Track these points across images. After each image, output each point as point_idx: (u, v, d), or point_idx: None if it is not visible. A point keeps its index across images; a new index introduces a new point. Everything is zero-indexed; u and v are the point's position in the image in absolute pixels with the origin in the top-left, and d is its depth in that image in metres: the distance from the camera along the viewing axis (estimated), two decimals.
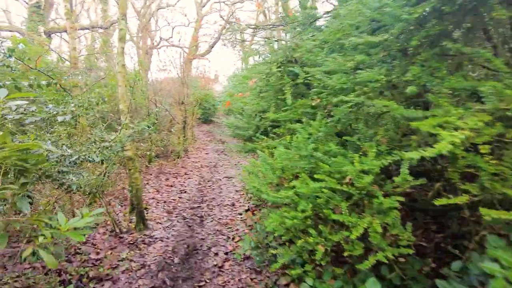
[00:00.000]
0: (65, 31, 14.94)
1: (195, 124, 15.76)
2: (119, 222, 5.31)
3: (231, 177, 8.18)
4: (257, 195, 3.12)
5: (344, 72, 2.52)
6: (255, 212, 5.54)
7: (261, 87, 4.23)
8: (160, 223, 5.27)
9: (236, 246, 4.42)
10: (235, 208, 5.95)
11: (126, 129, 4.44)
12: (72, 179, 2.88)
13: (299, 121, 3.24)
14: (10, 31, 13.79)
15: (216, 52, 41.85)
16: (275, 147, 3.25)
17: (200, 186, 7.51)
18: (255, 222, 4.56)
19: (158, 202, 6.31)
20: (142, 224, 4.97)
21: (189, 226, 5.16)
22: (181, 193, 7.00)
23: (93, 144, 3.46)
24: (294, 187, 2.44)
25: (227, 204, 6.17)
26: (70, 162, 2.60)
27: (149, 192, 6.96)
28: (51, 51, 8.53)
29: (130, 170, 5.00)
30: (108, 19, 19.45)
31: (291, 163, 2.62)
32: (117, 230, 4.84)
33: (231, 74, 22.44)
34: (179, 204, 6.20)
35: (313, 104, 2.98)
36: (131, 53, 23.64)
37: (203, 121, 19.34)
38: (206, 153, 11.48)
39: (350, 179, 2.18)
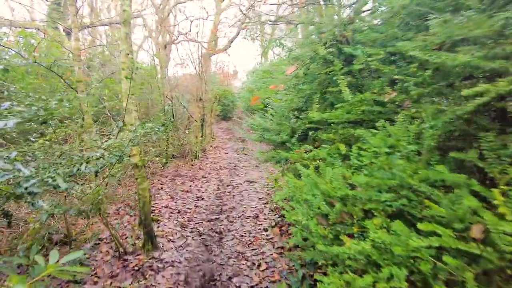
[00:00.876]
0: (85, 27, 14.37)
1: (214, 121, 14.91)
2: (126, 237, 4.48)
3: (252, 182, 7.24)
4: (305, 236, 2.16)
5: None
6: (283, 229, 4.58)
7: (298, 78, 3.25)
8: (172, 241, 4.39)
9: (263, 278, 3.48)
10: (259, 221, 5.01)
11: (128, 132, 3.55)
12: (41, 205, 2.01)
13: (356, 123, 2.25)
14: (29, 28, 13.31)
15: (235, 48, 40.91)
16: (320, 159, 2.28)
17: (218, 191, 6.61)
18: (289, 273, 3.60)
19: (171, 212, 5.44)
20: (151, 244, 4.10)
21: (206, 246, 4.26)
22: (198, 200, 6.11)
23: (74, 157, 2.57)
24: (365, 234, 1.47)
25: (250, 216, 5.24)
26: (26, 188, 1.72)
27: (163, 199, 6.11)
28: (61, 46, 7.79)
29: (137, 179, 4.13)
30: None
31: (361, 193, 1.65)
32: (121, 250, 3.99)
33: (251, 69, 21.41)
34: (195, 215, 5.31)
35: (386, 99, 2.00)
36: (148, 48, 22.90)
37: (222, 118, 18.53)
38: (225, 153, 10.59)
39: (482, 232, 1.19)
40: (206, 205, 5.80)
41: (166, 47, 19.35)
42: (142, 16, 17.72)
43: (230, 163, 9.16)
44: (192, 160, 9.26)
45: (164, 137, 8.99)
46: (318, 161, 2.38)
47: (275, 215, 5.16)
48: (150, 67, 10.23)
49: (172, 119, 9.61)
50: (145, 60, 18.60)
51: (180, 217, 5.26)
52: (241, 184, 7.14)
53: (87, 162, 2.54)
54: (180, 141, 9.99)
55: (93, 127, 5.42)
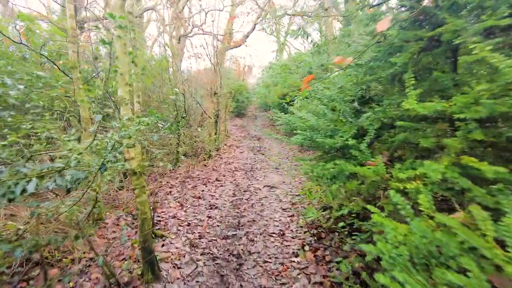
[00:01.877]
0: (98, 19, 13.53)
1: (228, 118, 13.95)
2: (122, 259, 3.53)
3: (273, 187, 6.22)
4: None
5: None
6: (318, 254, 3.56)
7: (387, 43, 2.14)
8: (179, 267, 3.42)
9: None
10: (285, 241, 4.00)
11: (122, 127, 2.57)
12: None
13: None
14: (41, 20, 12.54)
15: (250, 43, 39.75)
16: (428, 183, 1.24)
17: (235, 198, 5.62)
18: None
19: (180, 225, 4.48)
20: (151, 273, 3.14)
21: (221, 276, 3.27)
22: (211, 209, 5.14)
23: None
24: None
25: (274, 233, 4.23)
26: None
27: (170, 207, 5.15)
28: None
29: (134, 190, 3.16)
30: (140, 7, 17.96)
31: None
32: (113, 281, 3.03)
33: (267, 64, 20.31)
34: (207, 230, 4.33)
35: None
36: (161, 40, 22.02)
37: (236, 114, 17.59)
38: (241, 152, 9.59)
39: None
40: (221, 216, 4.81)
41: (180, 40, 18.47)
42: (155, 9, 16.85)
43: (246, 163, 8.16)
44: (205, 160, 8.30)
45: (175, 135, 8.06)
46: (417, 182, 1.37)
47: (305, 232, 4.14)
48: (161, 58, 9.28)
49: (185, 115, 8.66)
50: (155, 51, 17.67)
51: (189, 231, 4.29)
52: (260, 189, 6.13)
53: (40, 177, 1.58)
54: (192, 139, 9.04)
55: (91, 123, 4.48)
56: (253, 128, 15.09)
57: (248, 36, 19.39)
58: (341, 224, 3.65)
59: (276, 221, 4.65)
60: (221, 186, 6.38)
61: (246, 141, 11.22)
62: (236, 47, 19.09)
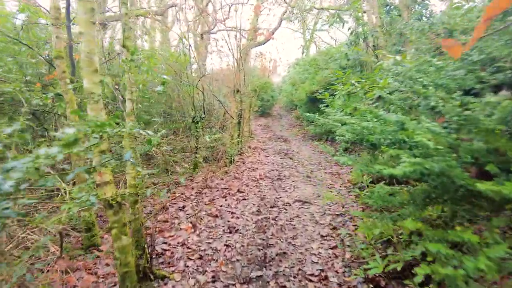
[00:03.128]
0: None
1: (252, 118, 12.89)
2: None
3: (306, 202, 5.02)
4: None
5: None
6: None
7: None
8: None
9: None
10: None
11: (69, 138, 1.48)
12: None
13: None
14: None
15: (275, 40, 38.63)
16: None
17: (260, 218, 4.48)
18: None
19: (189, 258, 3.41)
20: None
21: None
22: (230, 233, 4.03)
23: None
24: None
25: (312, 275, 3.06)
26: None
27: (181, 229, 4.10)
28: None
29: (110, 229, 2.10)
30: (164, 4, 17.28)
31: None
32: None
33: (293, 61, 18.99)
34: (223, 268, 3.21)
35: None
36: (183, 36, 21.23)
37: (260, 114, 16.47)
38: (266, 155, 8.44)
39: None
40: (242, 245, 3.69)
41: (203, 37, 17.57)
42: (178, 5, 16.00)
43: (273, 170, 7.00)
44: (226, 166, 7.21)
45: (194, 138, 7.05)
46: None
47: (354, 276, 2.93)
48: (179, 52, 8.29)
49: (203, 115, 7.63)
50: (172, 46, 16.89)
51: (200, 269, 3.19)
52: (291, 205, 4.95)
53: None
54: (212, 142, 8.00)
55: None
56: (278, 128, 13.89)
57: (274, 33, 18.24)
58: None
59: (314, 254, 3.46)
60: (244, 199, 5.26)
61: (271, 143, 10.05)
62: (264, 43, 17.97)
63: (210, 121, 11.71)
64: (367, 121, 2.41)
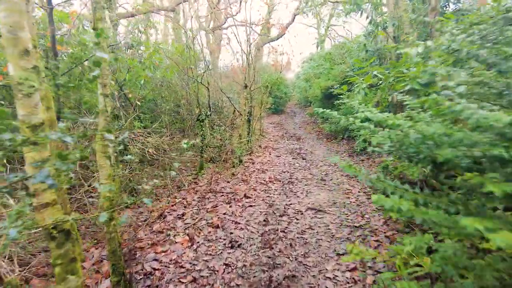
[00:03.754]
0: (133, 15, 12.47)
1: (264, 115, 12.30)
2: None
3: (320, 210, 4.40)
4: None
5: None
6: None
7: None
8: None
9: None
10: None
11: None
12: None
13: None
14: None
15: (289, 37, 37.22)
16: None
17: (267, 229, 3.90)
18: None
19: (180, 281, 2.86)
20: None
21: None
22: (232, 248, 3.48)
23: None
24: None
25: None
26: None
27: (176, 243, 3.57)
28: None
29: (54, 267, 1.55)
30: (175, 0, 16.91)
31: None
32: None
33: (308, 55, 18.17)
34: None
35: None
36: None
37: (273, 111, 15.83)
38: (277, 155, 7.83)
39: None
40: (244, 265, 3.12)
41: (214, 32, 17.07)
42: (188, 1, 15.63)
43: (284, 171, 6.39)
44: (233, 167, 6.65)
45: (199, 137, 6.53)
46: None
47: None
48: (185, 45, 7.76)
49: (209, 113, 7.11)
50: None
51: None
52: (302, 213, 4.35)
53: None
54: (219, 142, 7.46)
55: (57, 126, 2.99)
56: (291, 126, 13.23)
57: (287, 27, 17.55)
58: None
59: (329, 278, 2.86)
60: (250, 206, 4.69)
61: (283, 142, 9.41)
62: (277, 38, 17.32)
63: (220, 119, 11.17)
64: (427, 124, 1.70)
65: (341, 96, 7.71)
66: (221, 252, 3.38)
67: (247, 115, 8.66)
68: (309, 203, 4.68)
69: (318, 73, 11.55)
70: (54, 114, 2.99)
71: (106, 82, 2.34)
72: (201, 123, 6.68)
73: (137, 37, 8.56)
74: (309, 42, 35.06)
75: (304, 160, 7.33)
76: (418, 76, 2.70)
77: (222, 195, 5.13)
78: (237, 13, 15.84)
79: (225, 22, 15.86)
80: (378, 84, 4.12)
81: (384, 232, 3.60)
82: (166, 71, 7.80)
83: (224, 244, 3.56)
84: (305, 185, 5.57)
